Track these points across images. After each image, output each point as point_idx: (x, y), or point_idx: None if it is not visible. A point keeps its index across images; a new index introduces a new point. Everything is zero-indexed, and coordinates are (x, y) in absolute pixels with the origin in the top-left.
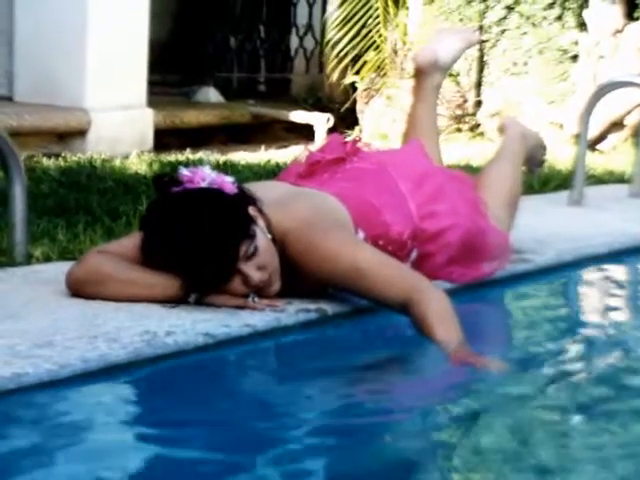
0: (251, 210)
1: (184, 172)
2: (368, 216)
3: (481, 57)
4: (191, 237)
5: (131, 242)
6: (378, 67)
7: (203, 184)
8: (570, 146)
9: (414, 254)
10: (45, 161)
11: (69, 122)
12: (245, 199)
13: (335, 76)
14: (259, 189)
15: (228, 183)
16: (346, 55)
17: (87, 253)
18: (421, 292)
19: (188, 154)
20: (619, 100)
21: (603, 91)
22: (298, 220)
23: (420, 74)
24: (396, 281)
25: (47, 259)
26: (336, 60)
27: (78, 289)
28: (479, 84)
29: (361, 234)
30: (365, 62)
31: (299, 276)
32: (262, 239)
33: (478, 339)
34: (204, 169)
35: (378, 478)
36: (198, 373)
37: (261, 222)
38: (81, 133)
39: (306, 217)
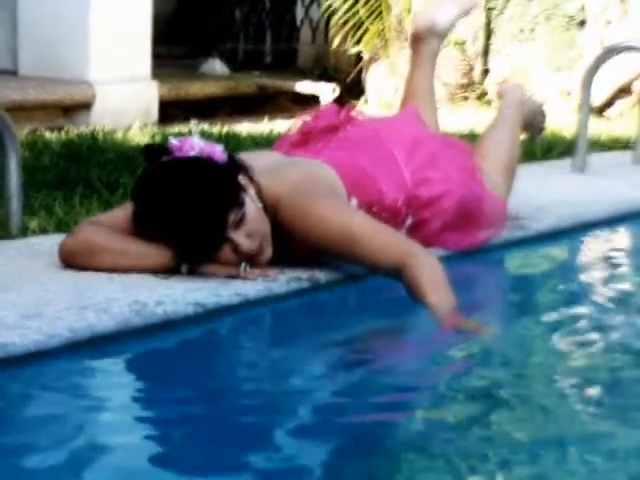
0: (241, 178)
1: (173, 141)
2: (361, 183)
3: (488, 24)
4: (179, 206)
5: (123, 213)
6: (379, 36)
7: (192, 153)
8: (577, 113)
9: (409, 221)
10: (48, 134)
11: (73, 95)
12: (235, 167)
13: (336, 44)
14: (251, 158)
15: (218, 152)
16: (346, 23)
17: (79, 225)
18: (414, 257)
19: (192, 126)
20: (626, 66)
21: (606, 56)
22: (290, 186)
23: (417, 40)
24: (389, 246)
25: (43, 231)
26: (336, 28)
27: (71, 261)
28: (486, 52)
29: (354, 201)
30: (367, 30)
31: (292, 244)
32: (251, 207)
33: (472, 305)
34: (193, 138)
35: (372, 443)
36: (188, 343)
37: (251, 190)
38: (86, 106)
39: (298, 183)
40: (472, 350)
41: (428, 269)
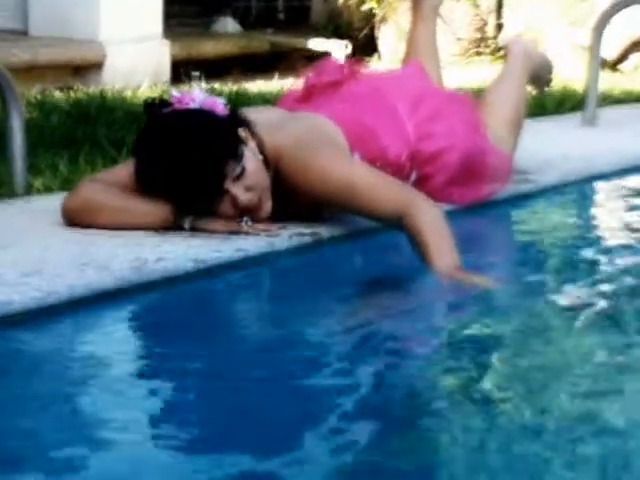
0: (241, 131)
1: (174, 94)
2: (365, 139)
3: None
4: (177, 157)
5: (124, 170)
6: None
7: (192, 105)
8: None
9: (413, 176)
10: (57, 94)
11: (84, 55)
12: (235, 120)
13: (351, 0)
14: (253, 113)
15: (219, 105)
16: None
17: (80, 183)
18: (416, 206)
19: (203, 84)
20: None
21: (615, 9)
22: (292, 139)
23: None
24: (391, 195)
25: (48, 190)
26: None
27: (72, 219)
28: (499, 7)
29: (357, 156)
30: None
31: (294, 198)
32: (251, 160)
33: (478, 259)
34: (195, 91)
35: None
36: (189, 299)
37: (252, 143)
38: (97, 66)
39: (300, 137)
40: (476, 307)
41: (430, 217)
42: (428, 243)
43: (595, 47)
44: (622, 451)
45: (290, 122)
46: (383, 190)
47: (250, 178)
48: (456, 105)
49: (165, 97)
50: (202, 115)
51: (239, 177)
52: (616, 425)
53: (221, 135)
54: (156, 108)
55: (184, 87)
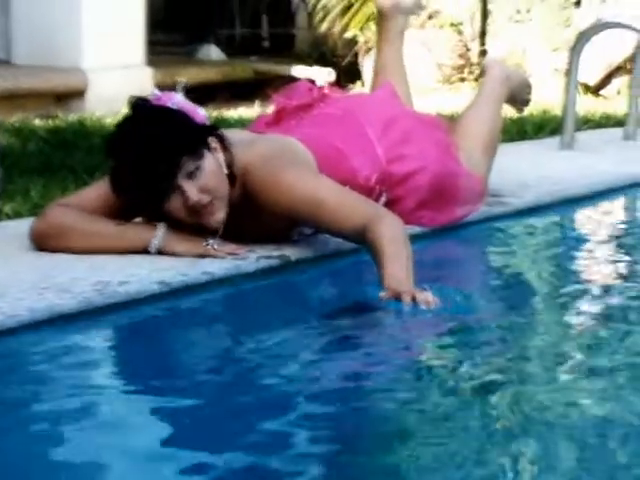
0: (211, 140)
1: (156, 92)
2: (334, 161)
3: (484, 6)
4: (136, 143)
5: (93, 193)
6: (367, 20)
7: (170, 105)
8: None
9: (383, 199)
10: (36, 122)
11: (67, 83)
12: (210, 130)
13: (325, 28)
14: (225, 133)
15: (198, 113)
16: (334, 7)
17: (48, 207)
18: (380, 218)
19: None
20: (622, 44)
21: (592, 31)
22: (259, 156)
23: (384, 18)
24: (356, 209)
25: (17, 215)
26: (323, 11)
27: (41, 243)
28: (483, 33)
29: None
30: (355, 13)
31: (262, 217)
32: (212, 164)
33: (449, 280)
34: (178, 95)
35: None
36: (152, 322)
37: (220, 155)
38: (79, 94)
39: (267, 154)
40: (449, 328)
41: (391, 231)
42: (384, 253)
43: (573, 69)
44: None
45: (259, 141)
46: (348, 204)
47: (205, 179)
48: (427, 127)
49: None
50: (172, 112)
51: (193, 174)
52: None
53: (185, 131)
54: (135, 105)
55: None
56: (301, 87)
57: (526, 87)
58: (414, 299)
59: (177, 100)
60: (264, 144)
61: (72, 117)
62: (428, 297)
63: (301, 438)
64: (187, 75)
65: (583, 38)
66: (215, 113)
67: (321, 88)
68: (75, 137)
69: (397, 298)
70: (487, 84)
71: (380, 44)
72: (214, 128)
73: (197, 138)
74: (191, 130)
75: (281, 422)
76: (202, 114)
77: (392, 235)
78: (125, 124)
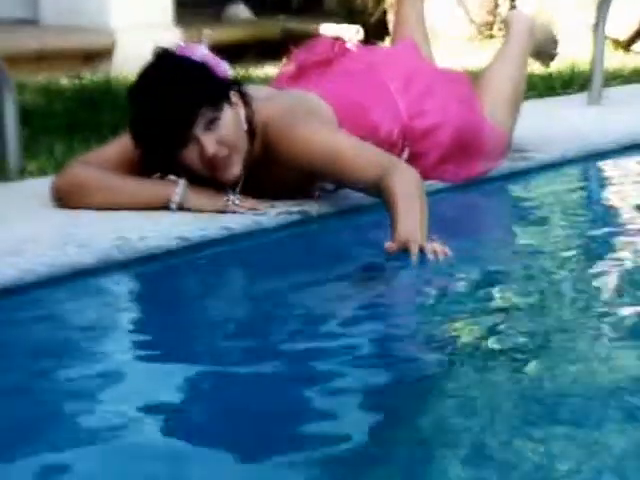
0: (232, 95)
1: (181, 44)
2: (355, 116)
3: None
4: (155, 91)
5: (113, 149)
6: None
7: (193, 57)
8: (608, 49)
9: (405, 153)
10: (63, 81)
11: (94, 43)
12: (232, 84)
13: None
14: (248, 89)
15: (222, 66)
16: None
17: (69, 164)
18: (395, 169)
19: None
20: None
21: None
22: (278, 110)
23: None
24: (373, 160)
25: (42, 173)
26: None
27: (61, 200)
28: None
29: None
30: None
31: (282, 174)
32: (231, 118)
33: (471, 236)
34: (202, 47)
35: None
36: (171, 278)
37: (241, 110)
38: (107, 54)
39: (285, 108)
40: (475, 281)
41: (406, 181)
42: (397, 204)
43: (600, 23)
44: None
45: (278, 97)
46: (365, 157)
47: (223, 132)
48: (449, 82)
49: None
50: (195, 63)
51: (211, 126)
52: None
53: (205, 82)
54: (158, 53)
55: None
56: (322, 42)
57: (551, 41)
58: (422, 250)
59: (201, 52)
60: (283, 99)
61: (99, 77)
62: (436, 247)
63: (325, 398)
64: (215, 34)
65: None
66: (242, 72)
67: (342, 43)
68: (101, 96)
69: (405, 249)
70: (511, 38)
71: (400, 1)
72: (236, 83)
73: (217, 90)
74: (212, 82)
75: (301, 381)
76: (225, 68)
77: (406, 187)
78: (146, 72)
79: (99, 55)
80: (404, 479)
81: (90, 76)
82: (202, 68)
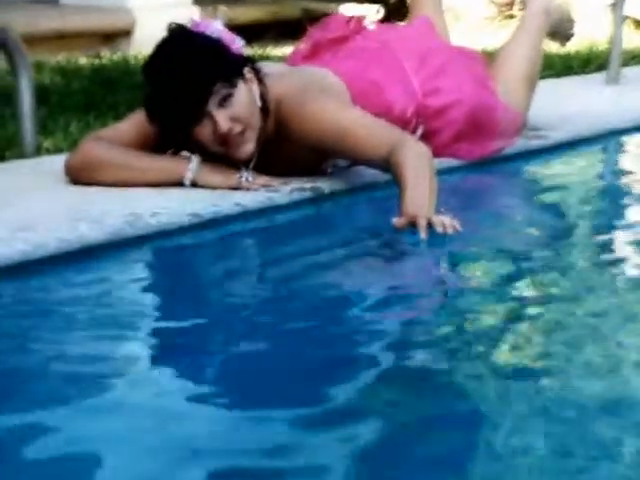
0: (246, 71)
1: (196, 20)
2: (369, 94)
3: None
4: (168, 68)
5: (127, 125)
6: None
7: (207, 33)
8: (629, 30)
9: (419, 131)
10: (81, 60)
11: (114, 23)
12: (246, 60)
13: None
14: (262, 66)
15: (236, 42)
16: None
17: (83, 140)
18: (405, 143)
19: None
20: None
21: None
22: (290, 87)
23: None
24: (383, 135)
25: (58, 151)
26: None
27: (75, 176)
28: None
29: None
30: None
31: (294, 150)
32: (244, 94)
33: (484, 213)
34: (218, 23)
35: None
36: (184, 254)
37: (255, 86)
38: (126, 33)
39: (298, 85)
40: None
41: (415, 156)
42: (405, 178)
43: (619, 3)
44: None
45: (291, 73)
46: (376, 133)
47: (237, 108)
48: (464, 60)
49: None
50: (209, 39)
51: (225, 102)
52: None
53: (219, 58)
54: (172, 29)
55: None
56: (337, 20)
57: (568, 21)
58: (430, 225)
59: (215, 28)
60: (296, 76)
61: (117, 56)
62: (445, 221)
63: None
64: (234, 14)
65: None
66: (260, 51)
67: (358, 20)
68: (119, 75)
69: (413, 224)
70: (527, 17)
71: None
72: (250, 60)
73: (231, 67)
74: (226, 58)
75: (316, 354)
76: (239, 44)
77: (415, 161)
78: (161, 48)
79: (118, 35)
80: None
81: (109, 56)
82: (216, 44)
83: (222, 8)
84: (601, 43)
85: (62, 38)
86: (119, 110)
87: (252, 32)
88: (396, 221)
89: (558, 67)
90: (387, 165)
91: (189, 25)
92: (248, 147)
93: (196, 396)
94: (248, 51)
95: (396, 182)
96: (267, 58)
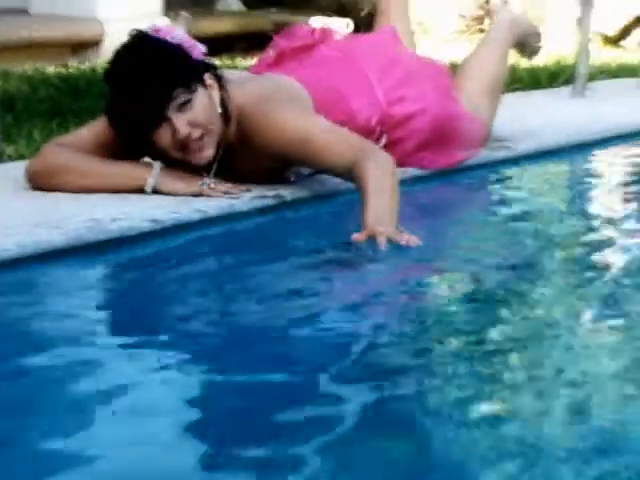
0: (207, 77)
1: (157, 26)
2: (333, 102)
3: None
4: (127, 73)
5: (89, 131)
6: None
7: (167, 38)
8: (597, 45)
9: (383, 140)
10: (49, 70)
11: (83, 33)
12: (207, 67)
13: None
14: (225, 73)
15: (197, 48)
16: None
17: (44, 146)
18: (368, 154)
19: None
20: None
21: None
22: (252, 95)
23: None
24: (345, 147)
25: (20, 157)
26: None
27: (36, 182)
28: None
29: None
30: None
31: (257, 157)
32: (204, 100)
33: (446, 222)
34: (179, 30)
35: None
36: (143, 260)
37: (215, 92)
38: (96, 44)
39: (260, 92)
40: (445, 269)
41: (378, 167)
42: (367, 190)
43: (585, 18)
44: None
45: (253, 81)
46: (339, 142)
47: (196, 114)
48: (429, 71)
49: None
50: (169, 44)
51: (184, 108)
52: None
53: (179, 64)
54: (134, 36)
55: None
56: (303, 29)
57: (535, 35)
58: (390, 240)
59: (176, 34)
60: (258, 83)
61: (85, 66)
62: (405, 236)
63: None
64: (205, 26)
65: None
66: (228, 62)
67: (323, 30)
68: (86, 84)
69: (373, 238)
70: (493, 29)
71: None
72: (212, 66)
73: (191, 72)
74: (186, 64)
75: (275, 360)
76: (201, 50)
77: (378, 173)
78: (121, 54)
79: (88, 45)
80: None
81: (77, 65)
82: (176, 50)
83: (183, 14)
84: (569, 57)
85: (31, 48)
86: (84, 118)
87: (222, 44)
88: (357, 236)
89: (526, 81)
90: (350, 175)
91: (150, 31)
92: (207, 152)
93: (143, 408)
94: (217, 63)
95: (359, 191)
96: (235, 69)
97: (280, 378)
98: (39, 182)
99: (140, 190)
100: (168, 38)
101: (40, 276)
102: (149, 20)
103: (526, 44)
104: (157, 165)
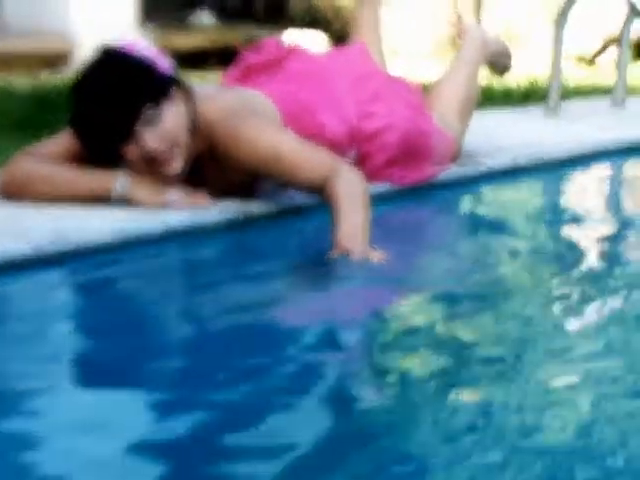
0: (173, 90)
1: (124, 41)
2: (302, 117)
3: None
4: (93, 89)
5: (58, 141)
6: None
7: (134, 53)
8: (572, 65)
9: (352, 155)
10: (19, 82)
11: (55, 46)
12: (173, 81)
13: None
14: (193, 87)
15: (163, 62)
16: None
17: (14, 156)
18: (339, 172)
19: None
20: (618, 15)
21: None
22: (220, 109)
23: None
24: (316, 162)
25: None
26: None
27: (6, 192)
28: (479, 4)
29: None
30: None
31: (225, 171)
32: (171, 114)
33: (410, 240)
34: (143, 43)
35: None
36: (106, 271)
37: (182, 106)
38: (67, 57)
39: (228, 107)
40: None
41: (349, 186)
42: (339, 208)
43: (558, 38)
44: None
45: (222, 95)
46: (309, 158)
47: (163, 128)
48: (399, 86)
49: None
50: (135, 59)
51: (151, 122)
52: None
53: (145, 78)
54: (100, 50)
55: None
56: (272, 43)
57: (505, 53)
58: (362, 258)
59: (142, 48)
60: (227, 97)
61: (57, 79)
62: (376, 254)
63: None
64: (178, 41)
65: (568, 5)
66: (199, 77)
67: (292, 44)
68: (56, 97)
69: (345, 255)
70: (464, 48)
71: (359, 5)
72: (178, 79)
73: (158, 86)
74: (153, 78)
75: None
76: (167, 64)
77: (349, 191)
78: (87, 69)
79: (60, 58)
80: None
81: (49, 78)
82: (143, 64)
83: (149, 26)
84: (543, 77)
85: (2, 61)
86: (55, 129)
87: (195, 59)
88: (329, 254)
89: (499, 100)
90: (320, 192)
91: (117, 46)
92: (175, 165)
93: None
94: (188, 77)
95: (330, 210)
96: (206, 83)
97: (242, 396)
98: (9, 192)
99: (107, 198)
100: (135, 52)
101: (1, 286)
102: (121, 34)
103: (497, 62)
104: (124, 173)
